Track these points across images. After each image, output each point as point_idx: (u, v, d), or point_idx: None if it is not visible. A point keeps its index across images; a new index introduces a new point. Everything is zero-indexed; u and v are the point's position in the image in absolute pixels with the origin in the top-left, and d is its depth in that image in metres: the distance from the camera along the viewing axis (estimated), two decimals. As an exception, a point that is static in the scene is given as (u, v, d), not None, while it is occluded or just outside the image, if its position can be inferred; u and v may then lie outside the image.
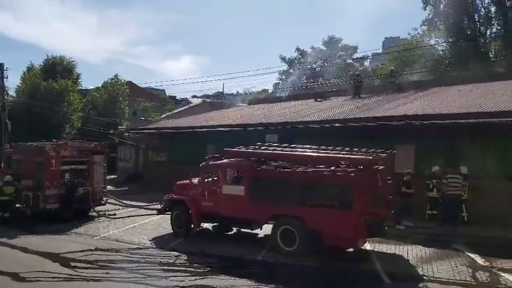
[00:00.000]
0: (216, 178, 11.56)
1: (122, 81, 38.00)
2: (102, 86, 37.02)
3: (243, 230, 11.89)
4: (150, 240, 11.57)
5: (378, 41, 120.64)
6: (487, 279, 8.06)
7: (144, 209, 16.20)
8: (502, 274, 8.26)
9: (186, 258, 9.81)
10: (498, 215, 11.59)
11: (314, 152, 10.79)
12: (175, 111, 40.19)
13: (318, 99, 22.94)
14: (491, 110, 12.89)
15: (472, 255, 9.50)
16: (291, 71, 46.04)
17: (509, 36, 29.64)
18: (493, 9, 31.29)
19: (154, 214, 14.40)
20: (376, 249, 10.26)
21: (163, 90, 51.72)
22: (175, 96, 49.71)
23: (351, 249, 9.87)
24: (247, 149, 11.68)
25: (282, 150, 11.29)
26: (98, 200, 15.62)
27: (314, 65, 44.99)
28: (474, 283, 7.91)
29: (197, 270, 8.93)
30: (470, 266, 8.79)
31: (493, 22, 31.75)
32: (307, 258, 9.31)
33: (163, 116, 37.87)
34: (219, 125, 20.28)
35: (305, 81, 39.66)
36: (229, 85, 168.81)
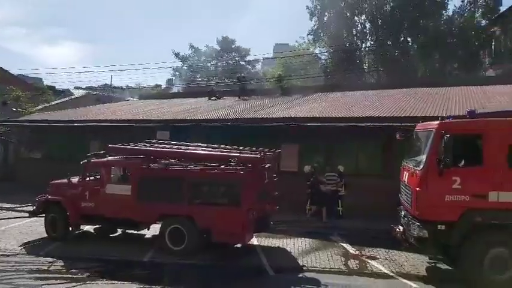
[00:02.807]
0: (99, 177, 10.82)
1: (-12, 66, 33.02)
2: (-38, 70, 31.68)
3: (128, 231, 11.33)
4: (21, 246, 10.30)
5: (269, 46, 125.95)
6: (356, 266, 9.01)
7: (14, 211, 14.31)
8: (369, 261, 9.31)
9: (62, 264, 8.96)
10: (369, 209, 12.99)
11: (205, 150, 10.81)
12: (54, 102, 36.30)
13: (211, 98, 23.09)
14: (364, 115, 14.48)
15: (345, 245, 10.51)
16: (185, 67, 45.52)
17: (380, 51, 33.77)
18: (368, 25, 35.30)
19: (26, 217, 12.79)
20: (262, 244, 10.69)
21: (41, 79, 46.37)
22: (55, 87, 44.95)
23: (239, 245, 10.14)
24: (136, 146, 11.19)
25: (172, 148, 11.07)
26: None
27: (208, 64, 45.21)
28: (346, 270, 8.78)
29: (74, 276, 8.24)
30: (343, 255, 9.74)
31: (367, 37, 35.84)
32: (195, 256, 9.29)
33: (39, 107, 33.89)
34: (104, 120, 18.99)
35: (199, 79, 39.61)
36: (118, 78, 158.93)
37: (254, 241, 10.60)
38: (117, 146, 11.21)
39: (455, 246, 7.57)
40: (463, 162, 7.72)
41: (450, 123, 8.07)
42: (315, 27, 36.51)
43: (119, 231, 11.62)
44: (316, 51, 37.86)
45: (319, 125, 14.31)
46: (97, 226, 11.64)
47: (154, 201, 9.84)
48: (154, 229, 10.45)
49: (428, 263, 8.91)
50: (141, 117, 18.71)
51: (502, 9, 32.54)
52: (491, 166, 7.39)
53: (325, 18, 35.74)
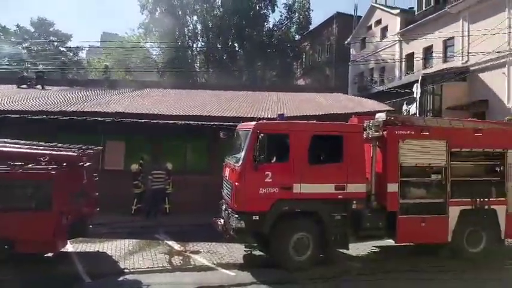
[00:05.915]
0: None
1: None
2: None
3: None
4: None
5: (96, 34, 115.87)
6: (180, 262, 9.14)
7: None
8: (192, 256, 9.56)
9: None
10: (194, 205, 13.30)
11: (9, 147, 9.26)
12: None
13: (22, 86, 19.87)
14: (191, 113, 14.73)
15: (170, 243, 10.53)
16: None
17: (210, 53, 35.09)
18: (199, 27, 36.17)
19: None
20: (79, 250, 9.80)
21: None
22: None
23: (50, 254, 9.03)
24: None
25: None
26: None
27: (19, 46, 38.84)
28: (170, 267, 8.80)
29: None
30: (167, 253, 9.73)
31: (198, 38, 36.76)
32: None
33: None
34: None
35: (6, 63, 33.64)
36: None
37: (69, 248, 9.61)
38: None
39: (267, 233, 8.42)
40: (274, 158, 8.70)
41: (264, 124, 8.97)
42: (146, 21, 35.53)
43: None
44: (147, 45, 36.85)
45: (146, 121, 13.94)
46: None
47: None
48: None
49: (245, 251, 9.67)
50: None
51: (312, 27, 38.04)
52: (294, 162, 8.50)
53: (157, 14, 35.07)
